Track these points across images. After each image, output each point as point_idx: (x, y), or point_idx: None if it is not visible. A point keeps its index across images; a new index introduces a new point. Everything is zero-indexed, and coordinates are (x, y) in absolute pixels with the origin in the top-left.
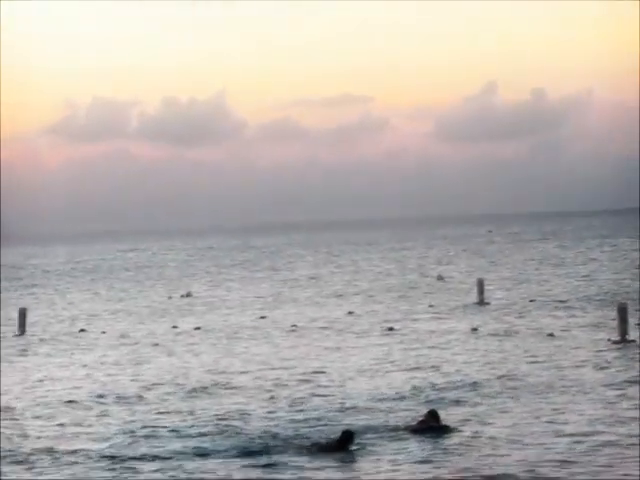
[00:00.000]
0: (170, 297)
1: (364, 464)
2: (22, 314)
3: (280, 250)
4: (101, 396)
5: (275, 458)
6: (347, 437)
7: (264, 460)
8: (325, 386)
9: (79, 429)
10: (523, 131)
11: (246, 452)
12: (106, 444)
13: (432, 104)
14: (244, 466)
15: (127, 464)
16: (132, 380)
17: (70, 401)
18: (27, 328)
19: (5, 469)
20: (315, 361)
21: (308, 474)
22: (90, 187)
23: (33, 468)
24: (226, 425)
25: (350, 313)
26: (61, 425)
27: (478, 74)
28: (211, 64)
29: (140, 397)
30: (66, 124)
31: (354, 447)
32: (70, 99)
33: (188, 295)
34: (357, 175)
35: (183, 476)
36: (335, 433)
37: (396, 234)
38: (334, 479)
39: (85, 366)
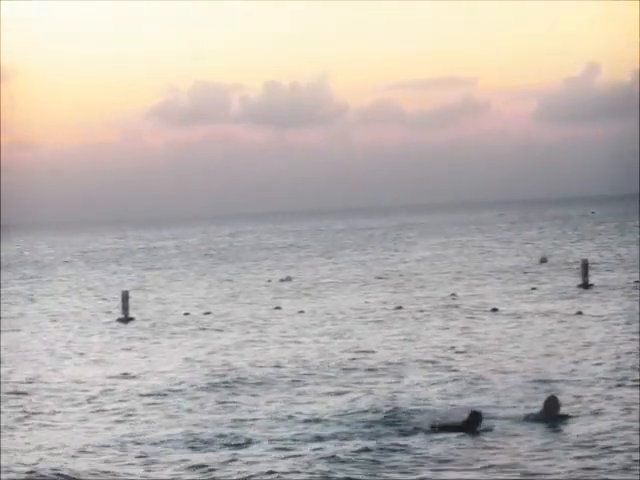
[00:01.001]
0: (269, 280)
1: (494, 445)
2: (125, 297)
3: (386, 232)
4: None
5: (400, 439)
6: (475, 418)
7: (389, 439)
8: (445, 367)
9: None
10: (625, 112)
11: (372, 432)
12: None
13: (533, 86)
14: (367, 448)
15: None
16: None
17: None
18: (130, 311)
19: None
20: (430, 340)
21: (436, 452)
22: (190, 171)
23: None
24: (355, 405)
25: (453, 295)
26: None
27: (578, 56)
28: (313, 47)
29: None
30: (168, 108)
31: (481, 428)
32: (172, 83)
33: (288, 279)
34: (457, 158)
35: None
36: (459, 413)
37: (503, 216)
38: (464, 459)
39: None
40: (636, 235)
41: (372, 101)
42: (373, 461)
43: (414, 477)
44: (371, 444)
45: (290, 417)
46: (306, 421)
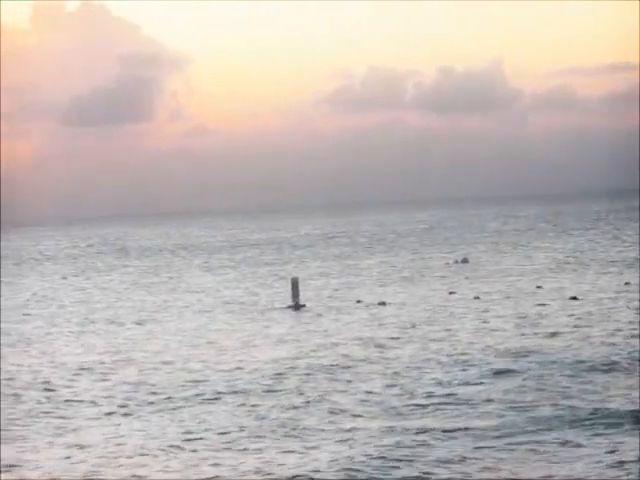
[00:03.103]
0: (447, 263)
1: None
2: (295, 285)
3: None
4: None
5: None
6: None
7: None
8: None
9: None
10: None
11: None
12: None
13: None
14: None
15: None
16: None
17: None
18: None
19: None
20: None
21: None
22: (363, 157)
23: None
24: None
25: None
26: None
27: None
28: (488, 33)
29: None
30: (341, 93)
31: None
32: (346, 68)
33: (464, 261)
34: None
35: None
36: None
37: None
38: None
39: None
40: None
41: (547, 87)
42: None
43: None
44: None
45: None
46: None
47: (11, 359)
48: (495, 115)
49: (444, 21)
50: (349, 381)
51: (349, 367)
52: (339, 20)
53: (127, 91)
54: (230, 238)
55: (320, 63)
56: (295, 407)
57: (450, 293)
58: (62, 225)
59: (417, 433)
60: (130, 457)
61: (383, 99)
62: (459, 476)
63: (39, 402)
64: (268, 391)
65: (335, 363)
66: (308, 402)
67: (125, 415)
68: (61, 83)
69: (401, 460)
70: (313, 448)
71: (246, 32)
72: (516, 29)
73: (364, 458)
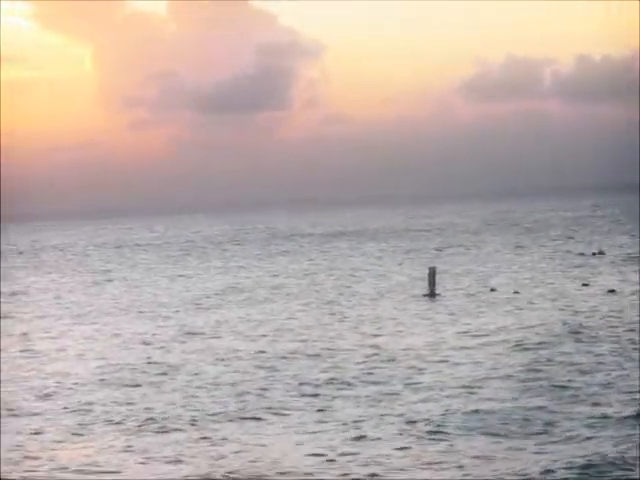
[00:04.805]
0: (582, 254)
1: None
2: (432, 274)
3: None
4: None
5: None
6: None
7: None
8: None
9: None
10: None
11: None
12: None
13: None
14: None
15: None
16: None
17: None
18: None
19: None
20: None
21: None
22: (500, 145)
23: None
24: None
25: None
26: None
27: None
28: (627, 21)
29: None
30: (478, 82)
31: None
32: (482, 57)
33: (600, 253)
34: None
35: None
36: None
37: None
38: None
39: None
40: None
41: None
42: None
43: None
44: None
45: None
46: None
47: None
48: (635, 102)
49: (582, 8)
50: None
51: None
52: (475, 6)
53: (264, 79)
54: (387, 224)
55: (458, 49)
56: None
57: (583, 285)
58: (214, 211)
59: None
60: None
61: (520, 88)
62: None
63: None
64: None
65: None
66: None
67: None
68: (199, 71)
69: None
70: None
71: (381, 19)
72: None
73: None
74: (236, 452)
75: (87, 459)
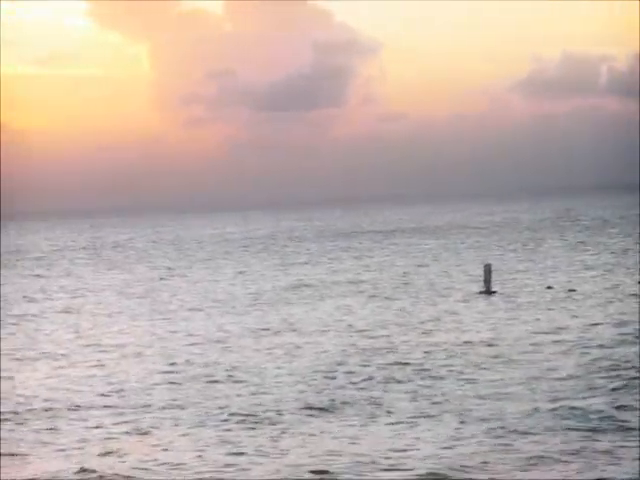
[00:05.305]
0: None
1: None
2: (488, 270)
3: None
4: None
5: None
6: None
7: None
8: None
9: None
10: None
11: None
12: None
13: None
14: None
15: None
16: None
17: None
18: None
19: None
20: None
21: None
22: (555, 143)
23: None
24: None
25: None
26: None
27: None
28: None
29: None
30: (533, 79)
31: None
32: (538, 53)
33: None
34: None
35: None
36: None
37: None
38: None
39: None
40: None
41: None
42: None
43: None
44: None
45: None
46: None
47: None
48: None
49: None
50: None
51: None
52: (531, 5)
53: (321, 78)
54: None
55: (512, 48)
56: None
57: None
58: (270, 209)
59: None
60: None
61: (576, 85)
62: None
63: None
64: None
65: None
66: None
67: None
68: (257, 70)
69: None
70: None
71: (437, 17)
72: None
73: None
74: (326, 448)
75: (165, 455)
